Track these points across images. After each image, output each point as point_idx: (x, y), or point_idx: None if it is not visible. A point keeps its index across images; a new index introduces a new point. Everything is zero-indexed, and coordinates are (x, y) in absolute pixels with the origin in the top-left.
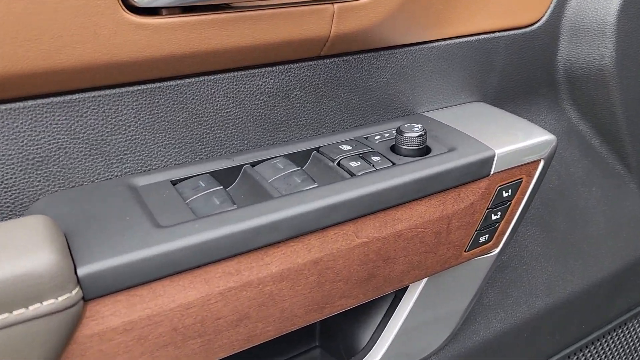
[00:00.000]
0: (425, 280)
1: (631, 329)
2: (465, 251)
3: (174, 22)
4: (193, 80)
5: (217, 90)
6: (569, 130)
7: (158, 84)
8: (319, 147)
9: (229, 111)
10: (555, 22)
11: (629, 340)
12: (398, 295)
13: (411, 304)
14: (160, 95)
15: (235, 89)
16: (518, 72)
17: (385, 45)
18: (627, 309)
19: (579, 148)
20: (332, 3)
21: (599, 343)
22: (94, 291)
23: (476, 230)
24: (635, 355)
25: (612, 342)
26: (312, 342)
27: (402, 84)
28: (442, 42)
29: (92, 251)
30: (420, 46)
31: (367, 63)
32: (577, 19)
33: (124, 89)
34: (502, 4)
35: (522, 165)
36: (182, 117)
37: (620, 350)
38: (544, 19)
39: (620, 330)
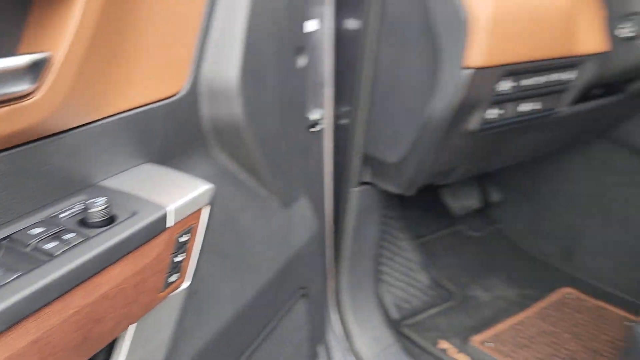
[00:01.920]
0: (135, 324)
1: (296, 312)
2: (160, 293)
3: None
4: None
5: None
6: (223, 172)
7: None
8: (10, 235)
9: None
10: (194, 89)
11: (296, 320)
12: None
13: (126, 348)
14: None
15: None
16: (176, 133)
17: (54, 132)
18: (289, 298)
19: (233, 184)
20: None
21: (276, 331)
22: None
23: (166, 274)
24: (302, 332)
25: (285, 326)
26: None
27: (77, 162)
28: (107, 120)
29: None
30: (87, 126)
31: (40, 150)
32: (210, 85)
33: None
34: (145, 84)
35: (192, 214)
36: None
37: (294, 333)
38: (184, 88)
39: (289, 313)
